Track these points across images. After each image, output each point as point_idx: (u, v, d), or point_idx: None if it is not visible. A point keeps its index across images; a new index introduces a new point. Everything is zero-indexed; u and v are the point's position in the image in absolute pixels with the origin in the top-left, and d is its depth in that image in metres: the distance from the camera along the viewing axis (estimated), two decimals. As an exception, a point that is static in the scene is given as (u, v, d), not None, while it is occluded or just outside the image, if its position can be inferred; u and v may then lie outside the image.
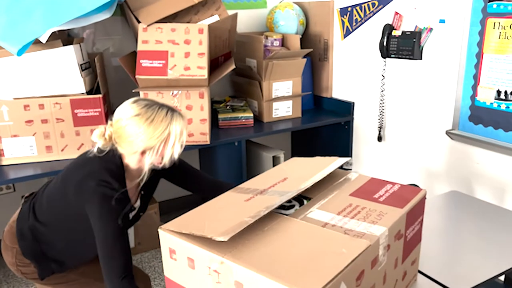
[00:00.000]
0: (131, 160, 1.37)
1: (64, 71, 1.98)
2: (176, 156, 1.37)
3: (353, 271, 0.85)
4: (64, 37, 2.11)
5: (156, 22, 2.11)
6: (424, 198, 1.12)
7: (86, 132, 2.05)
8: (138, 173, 1.41)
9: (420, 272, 1.23)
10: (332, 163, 1.22)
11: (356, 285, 0.87)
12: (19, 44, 1.78)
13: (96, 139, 1.36)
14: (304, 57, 2.65)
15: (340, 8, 2.61)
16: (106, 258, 1.29)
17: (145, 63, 2.09)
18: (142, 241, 2.56)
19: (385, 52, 2.32)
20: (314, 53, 2.87)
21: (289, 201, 1.09)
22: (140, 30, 2.11)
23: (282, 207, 1.07)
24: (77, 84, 2.01)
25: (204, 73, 2.12)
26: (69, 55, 1.97)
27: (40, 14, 1.87)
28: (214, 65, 2.46)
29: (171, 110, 1.35)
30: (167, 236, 0.99)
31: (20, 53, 1.80)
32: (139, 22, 2.12)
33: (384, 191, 1.13)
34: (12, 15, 1.85)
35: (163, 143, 1.33)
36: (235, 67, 2.31)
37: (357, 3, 2.49)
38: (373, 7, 2.40)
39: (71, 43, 2.03)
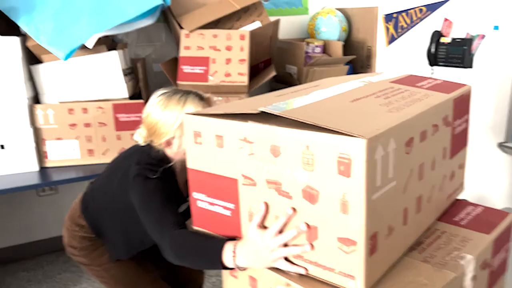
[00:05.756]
0: (169, 152, 1.33)
1: (108, 76, 2.00)
2: None
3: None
4: (108, 43, 2.14)
5: (198, 28, 2.11)
6: (512, 223, 1.04)
7: (127, 136, 2.07)
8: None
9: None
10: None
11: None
12: (66, 49, 1.82)
13: (136, 137, 1.39)
14: (346, 64, 2.59)
15: (385, 15, 2.54)
16: (158, 230, 1.16)
17: (186, 69, 2.09)
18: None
19: (433, 59, 2.23)
20: (356, 60, 2.79)
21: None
22: (183, 36, 2.11)
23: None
24: (120, 89, 2.03)
25: (244, 80, 2.10)
26: (113, 60, 1.99)
27: (86, 20, 1.90)
28: (254, 71, 2.43)
29: (186, 93, 1.31)
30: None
31: (67, 57, 1.83)
32: (181, 28, 2.12)
33: (465, 213, 1.05)
34: (60, 21, 1.89)
35: (180, 130, 1.27)
36: (275, 74, 2.28)
37: (403, 9, 2.40)
38: (420, 13, 2.31)
39: (114, 48, 2.06)
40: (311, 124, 0.77)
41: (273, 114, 0.83)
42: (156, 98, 1.33)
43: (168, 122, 1.27)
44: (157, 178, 1.24)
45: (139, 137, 1.38)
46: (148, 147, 1.35)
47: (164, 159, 1.32)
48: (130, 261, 1.53)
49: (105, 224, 1.48)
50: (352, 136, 0.73)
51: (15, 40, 1.87)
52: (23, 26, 1.88)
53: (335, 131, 0.75)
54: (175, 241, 1.10)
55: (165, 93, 1.33)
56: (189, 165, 1.01)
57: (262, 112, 0.85)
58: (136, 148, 1.41)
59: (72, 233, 1.51)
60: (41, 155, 2.03)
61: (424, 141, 0.90)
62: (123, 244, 1.47)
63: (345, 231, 0.80)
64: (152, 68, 2.62)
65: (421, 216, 0.95)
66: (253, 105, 0.92)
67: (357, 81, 1.13)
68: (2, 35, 1.86)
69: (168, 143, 1.30)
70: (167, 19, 2.47)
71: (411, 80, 1.11)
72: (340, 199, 0.78)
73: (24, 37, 1.94)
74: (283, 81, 2.68)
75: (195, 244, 1.06)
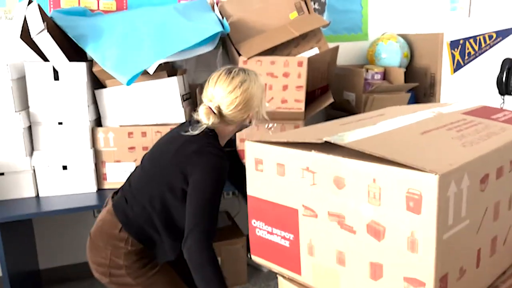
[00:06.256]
0: (230, 128, 1.43)
1: (167, 101, 2.05)
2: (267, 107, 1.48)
3: None
4: (168, 69, 2.20)
5: (256, 55, 2.12)
6: None
7: (183, 160, 2.09)
8: (224, 140, 1.50)
9: None
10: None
11: None
12: (129, 74, 1.88)
13: (205, 118, 1.37)
14: (408, 91, 2.49)
15: (451, 41, 2.42)
16: (198, 215, 1.24)
17: (243, 94, 2.09)
18: (228, 276, 2.50)
19: (504, 88, 2.08)
20: (419, 88, 2.68)
21: None
22: (241, 62, 2.12)
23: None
24: (178, 114, 2.06)
25: (301, 107, 2.06)
26: (173, 86, 2.03)
27: (148, 47, 1.97)
28: (311, 97, 2.39)
29: (253, 72, 1.43)
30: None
31: (129, 82, 1.89)
32: (239, 55, 2.14)
33: None
34: (124, 48, 1.97)
35: (262, 99, 1.43)
36: (333, 101, 2.22)
37: (471, 35, 2.29)
38: (490, 39, 2.18)
39: (174, 74, 2.11)
40: (378, 156, 0.73)
41: (337, 144, 0.80)
42: (238, 77, 1.38)
43: (257, 96, 1.39)
44: (218, 155, 1.32)
45: (208, 117, 1.36)
46: (201, 127, 1.39)
47: (216, 137, 1.41)
48: (174, 279, 1.49)
49: (149, 224, 1.39)
50: (423, 171, 0.68)
51: (82, 66, 1.97)
52: (91, 52, 1.97)
53: (404, 165, 0.70)
54: (195, 255, 1.22)
55: (241, 70, 1.40)
56: (249, 192, 1.01)
57: (326, 141, 0.82)
58: (185, 130, 1.40)
59: (116, 251, 1.40)
60: (99, 177, 2.08)
61: (501, 178, 0.85)
62: (169, 239, 1.40)
63: (413, 270, 0.75)
64: (209, 94, 2.65)
65: (496, 258, 0.90)
66: (317, 134, 0.89)
67: (426, 111, 1.07)
68: (70, 60, 1.96)
69: (256, 113, 1.41)
70: (225, 46, 2.51)
71: (485, 112, 1.04)
72: (408, 236, 0.73)
73: (89, 62, 2.04)
74: (340, 108, 2.61)
75: (207, 277, 1.20)
